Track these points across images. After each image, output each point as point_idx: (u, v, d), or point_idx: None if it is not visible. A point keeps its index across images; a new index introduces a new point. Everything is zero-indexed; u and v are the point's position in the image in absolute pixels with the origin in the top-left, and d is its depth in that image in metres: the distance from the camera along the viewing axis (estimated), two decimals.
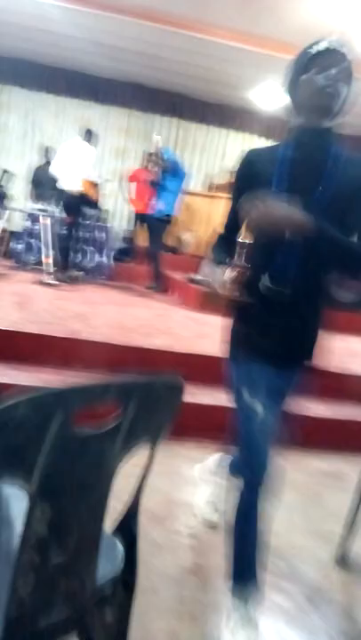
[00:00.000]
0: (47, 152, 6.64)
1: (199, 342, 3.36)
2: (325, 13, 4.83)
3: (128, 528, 1.06)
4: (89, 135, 5.55)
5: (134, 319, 3.86)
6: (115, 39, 6.34)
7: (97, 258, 6.53)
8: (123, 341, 2.89)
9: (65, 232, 5.78)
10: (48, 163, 6.48)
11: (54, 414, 0.70)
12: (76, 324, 3.20)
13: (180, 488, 2.17)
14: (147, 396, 0.84)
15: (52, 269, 5.27)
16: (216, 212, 7.31)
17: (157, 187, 5.39)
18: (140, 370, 2.67)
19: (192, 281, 5.34)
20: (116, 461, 0.84)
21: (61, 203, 5.78)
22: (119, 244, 7.20)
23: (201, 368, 2.94)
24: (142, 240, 6.54)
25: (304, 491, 2.30)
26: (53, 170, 5.50)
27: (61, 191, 5.55)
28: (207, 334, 3.73)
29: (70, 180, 5.30)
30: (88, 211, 5.88)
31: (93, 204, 5.87)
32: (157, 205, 5.43)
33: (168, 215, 5.53)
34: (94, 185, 5.70)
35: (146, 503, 1.99)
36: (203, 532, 1.88)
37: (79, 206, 5.55)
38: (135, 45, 6.45)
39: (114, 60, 7.12)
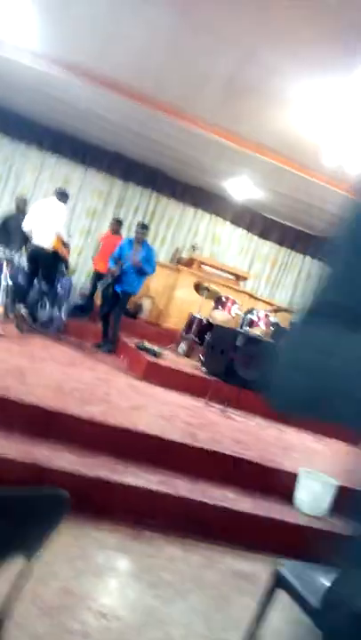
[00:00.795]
0: (21, 202, 6.71)
1: (134, 415, 3.29)
2: (302, 124, 5.29)
3: None
4: (63, 197, 5.78)
5: (74, 381, 3.77)
6: (105, 111, 6.70)
7: (51, 310, 6.46)
8: (54, 406, 2.80)
9: (25, 282, 5.82)
10: (20, 212, 6.55)
11: None
12: (10, 380, 3.09)
13: (81, 576, 2.02)
14: (23, 510, 0.79)
15: (1, 317, 5.16)
16: (178, 285, 7.51)
17: (138, 271, 5.58)
18: (63, 441, 2.52)
19: (141, 348, 5.34)
20: None
21: (26, 254, 5.88)
22: (76, 300, 7.19)
23: (131, 444, 2.87)
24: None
25: (212, 592, 2.20)
26: (26, 226, 5.63)
27: (26, 241, 5.63)
28: (145, 406, 3.68)
29: (43, 237, 5.48)
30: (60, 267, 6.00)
31: (64, 262, 6.03)
32: (124, 284, 5.60)
33: (132, 293, 5.76)
34: (64, 243, 5.84)
35: (37, 589, 1.84)
36: (96, 632, 1.74)
37: (54, 262, 5.71)
38: (123, 120, 6.83)
39: (101, 129, 7.47)
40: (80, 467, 2.51)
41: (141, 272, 5.61)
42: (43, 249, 5.52)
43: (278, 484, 3.04)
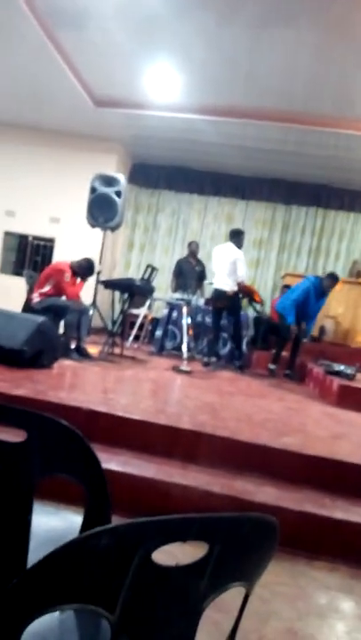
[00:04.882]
0: (193, 247, 7.11)
1: (335, 445, 3.06)
2: None
3: None
4: (237, 236, 5.78)
5: (264, 412, 3.70)
6: (258, 142, 6.81)
7: (232, 345, 6.59)
8: (248, 438, 2.76)
9: (210, 321, 6.12)
10: (192, 256, 6.96)
11: (136, 547, 0.65)
12: (204, 416, 3.17)
13: (305, 617, 1.88)
14: (235, 536, 0.74)
15: (186, 356, 5.44)
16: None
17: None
18: (262, 473, 2.46)
19: (331, 372, 5.04)
20: (201, 599, 0.75)
21: (203, 294, 6.16)
22: (252, 331, 7.22)
23: (336, 476, 2.65)
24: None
25: None
26: (215, 275, 5.78)
27: (201, 282, 5.87)
28: (345, 435, 3.40)
29: (224, 282, 5.62)
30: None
31: (253, 300, 6.17)
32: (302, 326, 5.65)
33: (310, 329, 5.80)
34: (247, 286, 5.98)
35: (261, 629, 1.76)
36: None
37: (237, 301, 5.83)
38: (277, 145, 6.84)
39: (257, 160, 7.60)
40: (284, 501, 2.40)
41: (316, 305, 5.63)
42: (225, 292, 5.65)
43: None
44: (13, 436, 1.14)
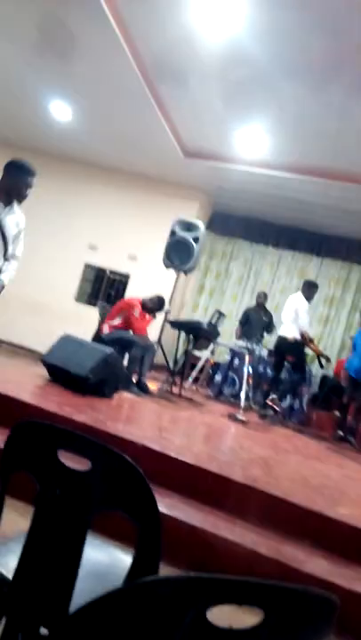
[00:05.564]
0: (261, 297, 7.12)
1: None
2: None
3: None
4: (310, 288, 5.83)
5: (321, 477, 3.54)
6: (339, 202, 6.81)
7: (292, 400, 6.42)
8: (302, 502, 2.64)
9: (271, 372, 6.00)
10: (260, 307, 6.95)
11: (193, 602, 0.65)
12: (257, 470, 3.08)
13: None
14: (293, 608, 0.71)
15: (244, 405, 5.36)
16: None
17: None
18: (313, 542, 2.35)
19: None
20: None
21: (272, 345, 6.13)
22: (314, 390, 7.00)
23: None
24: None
25: None
26: (283, 324, 5.82)
27: (266, 333, 5.85)
28: None
29: (287, 329, 5.67)
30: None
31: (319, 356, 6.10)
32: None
33: None
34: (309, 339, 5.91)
35: None
36: None
37: (300, 352, 5.79)
38: (359, 207, 6.79)
39: (336, 219, 7.58)
40: (334, 575, 2.25)
41: None
42: (286, 339, 5.66)
43: None
44: (76, 463, 1.17)
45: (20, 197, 3.04)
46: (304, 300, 5.71)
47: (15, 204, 3.08)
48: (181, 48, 4.78)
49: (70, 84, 6.02)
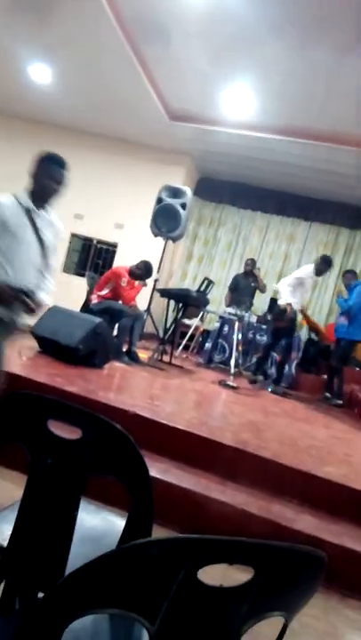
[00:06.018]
0: (250, 263, 7.05)
1: None
2: None
3: None
4: (322, 263, 5.50)
5: (308, 438, 3.63)
6: (328, 165, 6.72)
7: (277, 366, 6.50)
8: (291, 462, 2.72)
9: (260, 339, 6.02)
10: (248, 273, 6.92)
11: (184, 562, 0.67)
12: (246, 434, 3.15)
13: None
14: (282, 566, 0.74)
15: (234, 371, 5.42)
16: None
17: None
18: (302, 501, 2.42)
19: None
20: (241, 623, 0.75)
21: (268, 311, 6.11)
22: (301, 354, 7.09)
23: None
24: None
25: None
26: (280, 286, 5.65)
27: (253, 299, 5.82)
28: None
29: (283, 296, 5.47)
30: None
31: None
32: (348, 329, 5.47)
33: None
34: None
35: None
36: None
37: (294, 326, 5.75)
38: (348, 169, 6.72)
39: (324, 183, 7.50)
40: (322, 532, 2.34)
41: None
42: (279, 306, 5.53)
43: None
44: (68, 432, 1.19)
45: (52, 197, 2.53)
46: (312, 272, 5.49)
47: (49, 208, 2.56)
48: (164, 4, 4.58)
49: (49, 44, 5.77)
